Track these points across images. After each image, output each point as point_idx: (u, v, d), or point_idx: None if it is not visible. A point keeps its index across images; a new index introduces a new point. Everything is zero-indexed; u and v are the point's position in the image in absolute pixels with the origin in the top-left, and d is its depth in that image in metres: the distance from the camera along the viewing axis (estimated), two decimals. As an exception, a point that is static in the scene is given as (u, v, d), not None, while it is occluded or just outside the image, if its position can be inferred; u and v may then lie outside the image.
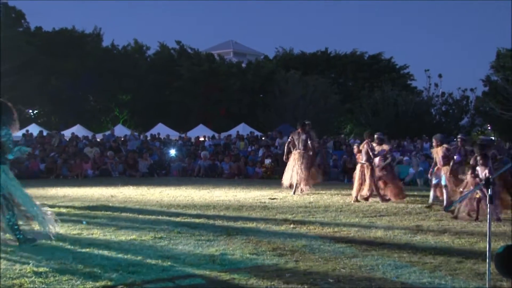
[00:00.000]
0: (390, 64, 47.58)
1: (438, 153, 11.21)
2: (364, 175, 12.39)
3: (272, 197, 13.05)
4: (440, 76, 38.47)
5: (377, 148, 12.60)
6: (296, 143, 14.28)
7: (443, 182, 10.98)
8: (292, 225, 8.69)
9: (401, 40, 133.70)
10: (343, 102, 39.60)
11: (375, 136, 12.82)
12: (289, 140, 14.67)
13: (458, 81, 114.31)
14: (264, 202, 12.04)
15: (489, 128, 42.61)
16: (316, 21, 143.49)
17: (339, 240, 7.45)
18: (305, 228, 8.48)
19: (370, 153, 12.37)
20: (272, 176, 19.40)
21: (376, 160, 12.54)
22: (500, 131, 37.96)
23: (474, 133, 40.21)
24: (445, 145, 11.28)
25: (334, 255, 6.56)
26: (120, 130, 28.36)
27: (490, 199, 5.22)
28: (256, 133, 28.58)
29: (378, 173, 12.39)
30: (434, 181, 11.29)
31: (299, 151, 14.11)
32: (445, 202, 10.96)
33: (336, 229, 8.34)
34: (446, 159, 10.90)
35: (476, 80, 53.64)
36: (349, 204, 11.84)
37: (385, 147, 12.85)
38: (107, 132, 26.43)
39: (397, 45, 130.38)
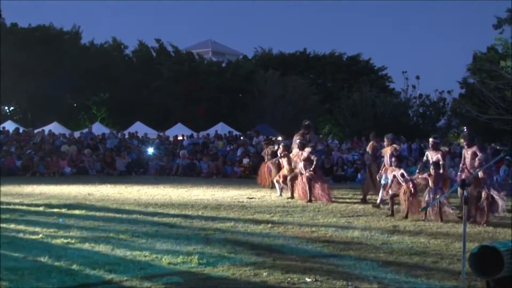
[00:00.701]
0: (369, 66, 47.95)
1: (387, 152, 11.32)
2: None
3: (250, 197, 13.07)
4: (417, 78, 38.99)
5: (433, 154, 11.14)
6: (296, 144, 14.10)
7: (388, 182, 10.96)
8: (270, 225, 8.72)
9: (379, 42, 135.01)
10: (322, 103, 39.80)
11: (431, 140, 11.40)
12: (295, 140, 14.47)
13: (435, 83, 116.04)
14: (242, 202, 12.06)
15: (465, 130, 43.23)
16: (295, 22, 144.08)
17: (316, 240, 7.50)
18: (283, 227, 8.52)
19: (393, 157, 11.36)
20: (250, 175, 19.43)
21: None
22: (477, 133, 38.54)
23: (450, 135, 40.77)
24: (394, 145, 11.40)
25: (312, 255, 6.61)
26: (98, 128, 28.06)
27: (465, 200, 5.31)
28: (235, 132, 28.57)
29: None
30: (382, 181, 11.22)
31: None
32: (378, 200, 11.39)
33: (313, 229, 8.39)
34: (394, 158, 10.91)
35: (453, 82, 54.44)
36: (327, 204, 11.91)
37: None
38: (85, 130, 26.14)
39: (375, 46, 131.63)
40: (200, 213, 10.06)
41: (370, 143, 13.07)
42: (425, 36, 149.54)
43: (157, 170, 20.98)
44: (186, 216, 9.52)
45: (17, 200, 11.48)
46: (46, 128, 25.38)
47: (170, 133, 27.99)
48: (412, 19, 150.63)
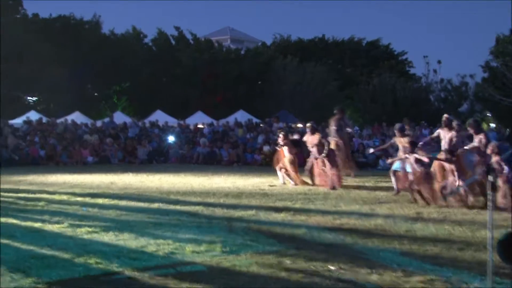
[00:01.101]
0: (388, 51, 47.40)
1: (400, 142, 11.12)
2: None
3: (272, 184, 13.03)
4: (439, 62, 38.44)
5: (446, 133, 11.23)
6: (332, 130, 13.93)
7: (408, 170, 10.76)
8: (292, 213, 8.68)
9: (399, 26, 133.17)
10: (341, 89, 39.50)
11: (444, 116, 11.29)
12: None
13: (457, 67, 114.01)
14: (264, 189, 12.03)
15: (488, 114, 42.58)
16: (313, 8, 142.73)
17: (339, 228, 7.45)
18: (305, 215, 8.47)
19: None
20: (271, 163, 19.36)
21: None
22: (500, 118, 37.90)
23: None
24: (405, 138, 11.19)
25: (335, 243, 6.56)
26: (119, 117, 28.23)
27: (493, 186, 5.20)
28: (255, 120, 28.51)
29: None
30: (394, 168, 11.11)
31: (335, 140, 13.82)
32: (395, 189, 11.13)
33: (336, 217, 8.33)
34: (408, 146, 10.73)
35: (476, 66, 53.46)
36: (349, 191, 11.83)
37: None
38: (106, 119, 26.33)
39: (395, 31, 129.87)
40: (221, 201, 10.06)
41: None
42: (446, 19, 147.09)
43: (178, 159, 21.07)
44: (208, 204, 9.52)
45: (41, 189, 11.62)
46: (69, 118, 25.63)
47: (190, 121, 28.05)
48: (433, 3, 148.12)
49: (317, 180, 12.74)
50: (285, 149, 13.25)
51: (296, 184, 12.84)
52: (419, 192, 9.89)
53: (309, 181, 13.04)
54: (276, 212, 8.77)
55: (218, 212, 8.75)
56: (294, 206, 9.41)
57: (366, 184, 13.38)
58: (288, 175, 13.06)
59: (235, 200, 10.23)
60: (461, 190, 9.34)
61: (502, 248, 5.09)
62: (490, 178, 5.12)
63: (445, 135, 10.91)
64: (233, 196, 10.72)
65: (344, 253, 6.02)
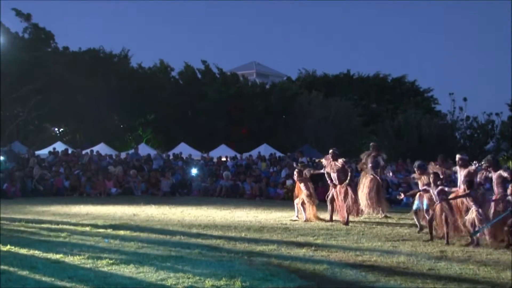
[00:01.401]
0: (414, 87, 47.30)
1: (423, 180, 11.00)
2: None
3: (293, 219, 12.94)
4: (465, 99, 38.06)
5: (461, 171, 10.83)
6: (369, 167, 13.75)
7: (425, 207, 10.74)
8: (313, 248, 8.61)
9: (425, 63, 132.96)
10: (366, 124, 39.41)
11: (458, 157, 10.86)
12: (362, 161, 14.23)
13: (483, 105, 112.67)
14: (285, 224, 11.97)
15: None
16: (339, 43, 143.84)
17: (361, 265, 7.35)
18: (326, 251, 8.39)
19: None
20: (293, 197, 19.29)
21: None
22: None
23: (500, 158, 39.53)
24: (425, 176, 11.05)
25: (356, 280, 6.48)
26: (143, 149, 28.55)
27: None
28: (278, 153, 28.54)
29: None
30: (414, 207, 11.07)
31: (371, 176, 13.63)
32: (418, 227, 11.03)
33: (358, 253, 8.23)
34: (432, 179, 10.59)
35: (502, 104, 52.91)
36: (372, 227, 11.69)
37: None
38: (131, 151, 26.67)
39: (421, 67, 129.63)
40: (243, 235, 10.04)
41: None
42: (472, 56, 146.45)
43: (200, 191, 21.14)
44: (229, 238, 9.52)
45: (64, 220, 11.76)
46: (94, 149, 26.04)
47: (214, 154, 28.20)
48: (459, 39, 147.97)
49: (338, 214, 12.58)
50: (301, 185, 13.18)
51: (307, 220, 12.65)
52: (440, 227, 9.74)
53: (325, 216, 12.91)
54: (298, 247, 8.70)
55: (239, 246, 8.73)
56: (316, 242, 9.33)
57: (389, 220, 13.21)
58: (304, 208, 12.94)
59: (257, 234, 10.19)
60: (485, 230, 9.14)
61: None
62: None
63: (461, 174, 10.78)
64: (255, 230, 10.69)
65: (366, 291, 5.93)
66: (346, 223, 12.05)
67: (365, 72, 48.29)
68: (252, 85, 41.41)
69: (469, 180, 9.66)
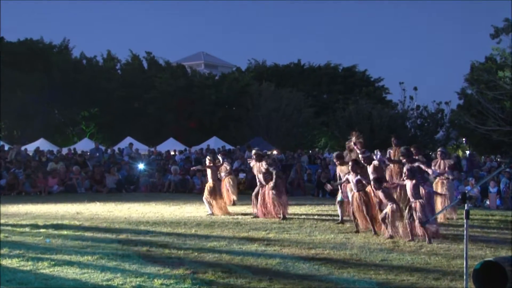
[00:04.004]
0: (365, 77, 48.22)
1: (343, 170, 11.02)
2: None
3: (245, 213, 12.97)
4: (415, 88, 39.19)
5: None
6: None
7: (339, 198, 11.10)
8: (265, 243, 8.65)
9: (375, 52, 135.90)
10: (318, 115, 39.93)
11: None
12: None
13: (433, 94, 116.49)
14: (237, 218, 11.98)
15: (464, 141, 43.41)
16: (288, 33, 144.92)
17: (314, 258, 7.44)
18: (279, 245, 8.45)
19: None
20: (245, 190, 19.33)
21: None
22: (475, 145, 38.73)
23: (449, 147, 40.90)
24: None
25: (309, 274, 6.55)
26: (87, 144, 27.97)
27: (467, 214, 5.27)
28: (228, 146, 28.53)
29: None
30: (339, 199, 11.26)
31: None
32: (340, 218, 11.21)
33: (311, 246, 8.33)
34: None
35: (452, 93, 54.78)
36: (325, 219, 11.85)
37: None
38: (73, 146, 26.04)
39: (371, 57, 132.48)
40: (193, 231, 9.98)
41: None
42: (422, 46, 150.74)
43: (148, 187, 20.84)
44: (178, 235, 9.44)
45: (2, 221, 11.36)
46: (33, 145, 25.26)
47: (162, 148, 27.94)
48: (409, 29, 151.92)
49: (259, 212, 12.31)
50: (208, 172, 13.13)
51: (212, 214, 12.64)
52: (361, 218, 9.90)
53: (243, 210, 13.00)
54: (250, 242, 8.73)
55: (189, 242, 8.67)
56: (268, 236, 9.38)
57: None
58: (210, 202, 12.88)
59: (207, 230, 10.15)
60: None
61: (478, 277, 5.15)
62: (466, 206, 5.20)
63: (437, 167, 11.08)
64: (205, 226, 10.64)
65: (319, 284, 6.01)
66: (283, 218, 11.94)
67: (316, 62, 48.96)
68: (202, 77, 41.18)
69: (375, 178, 9.53)
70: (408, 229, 8.98)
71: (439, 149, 12.57)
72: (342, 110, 37.75)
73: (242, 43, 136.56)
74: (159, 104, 36.24)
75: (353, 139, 11.19)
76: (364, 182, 9.88)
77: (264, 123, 36.03)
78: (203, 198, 13.14)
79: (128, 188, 20.67)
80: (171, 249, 8.05)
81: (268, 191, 12.14)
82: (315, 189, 19.33)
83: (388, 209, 9.19)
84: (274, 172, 12.16)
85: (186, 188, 20.51)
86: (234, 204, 14.94)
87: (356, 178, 9.96)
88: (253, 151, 12.94)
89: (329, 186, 11.61)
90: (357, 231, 9.91)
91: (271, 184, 12.05)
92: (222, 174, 15.10)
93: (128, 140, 29.38)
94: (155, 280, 6.07)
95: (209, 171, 13.24)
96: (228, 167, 15.28)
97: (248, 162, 13.82)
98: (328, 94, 46.14)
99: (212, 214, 12.71)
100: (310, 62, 48.32)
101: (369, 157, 10.34)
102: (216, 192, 13.05)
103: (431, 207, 10.08)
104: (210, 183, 13.12)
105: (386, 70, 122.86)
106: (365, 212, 9.78)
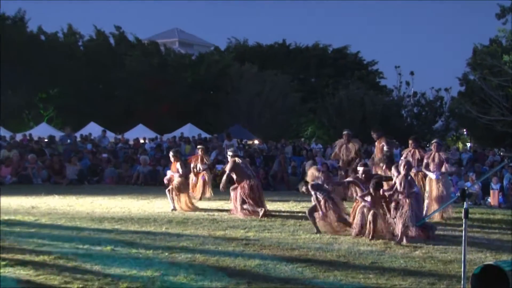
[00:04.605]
0: (357, 60, 48.45)
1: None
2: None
3: (222, 209, 13.00)
4: (412, 73, 39.41)
5: None
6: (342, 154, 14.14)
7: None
8: (244, 242, 8.68)
9: (369, 33, 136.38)
10: (305, 101, 40.02)
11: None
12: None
13: (432, 80, 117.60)
14: (213, 215, 12.00)
15: (464, 133, 43.82)
16: (273, 10, 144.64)
17: (297, 259, 7.48)
18: (259, 245, 8.48)
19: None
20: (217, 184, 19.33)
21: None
22: (477, 137, 39.10)
23: (448, 138, 41.29)
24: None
25: (292, 277, 6.58)
26: (45, 130, 27.69)
27: (466, 212, 5.33)
28: (204, 134, 28.50)
29: None
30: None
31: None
32: None
33: (294, 247, 8.38)
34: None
35: (452, 78, 55.20)
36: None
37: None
38: (28, 132, 25.76)
39: (364, 38, 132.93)
40: (164, 228, 9.98)
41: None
42: (420, 27, 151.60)
43: (114, 179, 20.74)
44: (147, 233, 9.43)
45: None
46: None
47: (130, 135, 27.79)
48: (407, 8, 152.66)
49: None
50: (177, 165, 13.22)
51: (175, 209, 12.79)
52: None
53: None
54: (227, 241, 8.76)
55: (159, 241, 8.66)
56: (247, 235, 9.41)
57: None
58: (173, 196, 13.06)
59: (180, 227, 10.15)
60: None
61: (477, 283, 5.22)
62: (466, 204, 5.25)
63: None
64: (178, 223, 10.65)
65: (302, 289, 6.05)
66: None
67: (304, 42, 49.02)
68: (177, 56, 40.94)
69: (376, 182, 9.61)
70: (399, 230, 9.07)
71: (434, 140, 12.79)
72: (332, 96, 37.88)
73: (221, 20, 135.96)
74: (127, 86, 35.95)
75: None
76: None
77: (245, 109, 36.00)
78: (166, 190, 13.13)
79: (91, 180, 20.54)
80: (139, 249, 8.03)
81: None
82: (300, 183, 19.41)
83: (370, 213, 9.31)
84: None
85: (157, 180, 20.41)
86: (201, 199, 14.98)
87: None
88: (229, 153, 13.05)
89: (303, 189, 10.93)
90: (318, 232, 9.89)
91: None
92: (200, 166, 15.22)
93: (92, 126, 29.17)
94: (120, 283, 6.06)
95: (178, 165, 13.21)
96: (208, 162, 15.63)
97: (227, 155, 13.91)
98: (316, 78, 46.27)
99: (175, 209, 12.79)
100: (296, 42, 48.48)
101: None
102: (185, 187, 13.20)
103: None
104: (178, 178, 13.10)
105: (381, 53, 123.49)
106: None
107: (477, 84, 33.63)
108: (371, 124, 33.61)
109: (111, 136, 27.68)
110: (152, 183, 20.15)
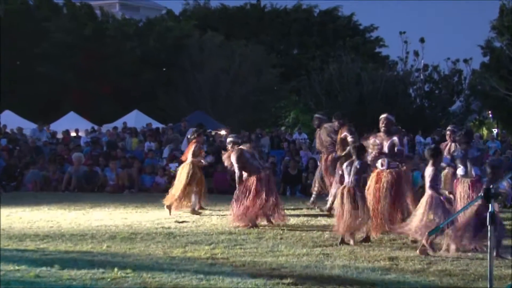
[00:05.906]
0: (351, 24, 48.65)
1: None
2: None
3: (181, 220, 13.01)
4: (422, 40, 39.46)
5: None
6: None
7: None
8: (209, 261, 8.70)
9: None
10: (285, 79, 40.10)
11: None
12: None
13: (447, 50, 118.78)
14: (169, 228, 12.01)
15: (490, 115, 44.09)
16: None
17: (278, 282, 7.49)
18: (228, 265, 8.50)
19: None
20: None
21: None
22: (505, 120, 39.38)
23: (470, 123, 41.41)
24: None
25: (272, 304, 6.61)
26: None
27: (491, 218, 5.35)
28: (156, 124, 28.42)
29: None
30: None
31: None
32: None
33: (273, 266, 8.40)
34: None
35: (473, 47, 55.75)
36: (293, 228, 11.95)
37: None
38: (33, 127, 25.58)
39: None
40: (104, 246, 9.96)
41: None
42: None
43: (37, 183, 20.60)
44: (83, 252, 9.43)
45: None
46: None
47: (58, 126, 27.62)
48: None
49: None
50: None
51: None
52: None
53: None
54: (187, 261, 8.76)
55: (99, 263, 8.61)
56: (214, 252, 9.41)
57: (320, 217, 13.57)
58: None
59: (126, 244, 10.14)
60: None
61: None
62: (491, 207, 5.27)
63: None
64: (123, 239, 10.63)
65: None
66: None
67: (282, 3, 49.12)
68: (118, 23, 40.74)
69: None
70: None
71: (449, 127, 13.05)
72: (320, 72, 37.94)
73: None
74: (53, 62, 35.69)
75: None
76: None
77: (208, 91, 36.00)
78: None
79: (8, 186, 20.39)
80: (72, 271, 7.99)
81: None
82: (281, 184, 19.43)
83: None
84: None
85: (95, 184, 20.37)
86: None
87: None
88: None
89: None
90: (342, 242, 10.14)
91: None
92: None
93: (7, 114, 28.92)
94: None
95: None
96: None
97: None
98: (299, 49, 46.41)
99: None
100: (273, 2, 48.51)
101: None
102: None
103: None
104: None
105: (381, 16, 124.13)
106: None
107: (505, 53, 33.87)
108: (370, 106, 33.89)
109: (32, 127, 27.36)
110: (89, 189, 20.07)
